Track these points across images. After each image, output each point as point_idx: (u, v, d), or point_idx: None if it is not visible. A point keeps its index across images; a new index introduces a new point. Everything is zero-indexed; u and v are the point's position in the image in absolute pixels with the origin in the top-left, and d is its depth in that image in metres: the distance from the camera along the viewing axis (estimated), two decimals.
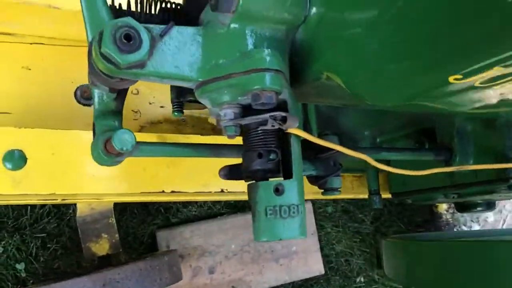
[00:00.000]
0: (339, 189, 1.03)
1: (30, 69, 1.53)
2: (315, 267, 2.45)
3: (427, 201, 1.55)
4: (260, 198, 0.83)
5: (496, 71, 0.64)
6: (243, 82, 0.79)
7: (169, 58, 0.82)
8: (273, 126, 0.83)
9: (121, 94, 0.92)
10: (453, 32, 0.66)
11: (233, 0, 0.79)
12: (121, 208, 2.11)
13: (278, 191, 0.83)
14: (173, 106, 1.26)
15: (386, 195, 1.80)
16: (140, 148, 0.90)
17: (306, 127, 1.41)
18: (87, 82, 1.61)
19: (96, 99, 0.92)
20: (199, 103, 1.27)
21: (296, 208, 0.84)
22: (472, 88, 0.70)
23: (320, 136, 1.09)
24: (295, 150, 0.87)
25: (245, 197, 1.74)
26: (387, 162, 1.33)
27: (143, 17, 0.97)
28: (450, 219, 2.57)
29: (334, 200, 2.54)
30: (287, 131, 0.86)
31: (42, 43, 1.56)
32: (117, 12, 0.96)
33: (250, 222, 2.55)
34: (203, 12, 0.90)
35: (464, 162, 1.22)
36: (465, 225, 3.07)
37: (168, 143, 0.99)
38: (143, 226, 2.18)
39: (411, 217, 2.76)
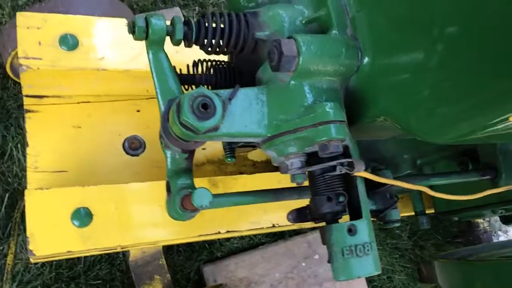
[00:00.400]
0: (398, 220, 1.08)
1: (80, 127, 1.62)
2: None
3: (475, 217, 1.59)
4: (336, 240, 0.89)
5: None
6: (310, 135, 0.86)
7: (238, 118, 0.89)
8: (340, 171, 0.89)
9: (191, 153, 0.99)
10: (504, 76, 0.72)
11: (293, 61, 0.86)
12: (167, 248, 2.16)
13: (351, 231, 0.89)
14: (225, 152, 1.33)
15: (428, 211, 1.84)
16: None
17: None
18: (133, 134, 1.70)
19: (168, 160, 0.98)
20: (250, 147, 1.34)
21: (370, 246, 0.89)
22: None
23: (374, 171, 1.14)
24: (361, 191, 0.93)
25: (292, 227, 1.79)
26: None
27: (204, 79, 1.04)
28: (488, 227, 2.58)
29: None
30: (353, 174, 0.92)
31: (88, 101, 1.65)
32: (179, 77, 1.04)
33: (291, 249, 2.57)
34: (260, 71, 0.97)
35: (510, 179, 1.26)
36: (500, 230, 3.07)
37: (234, 193, 1.06)
38: (189, 263, 2.23)
39: (447, 228, 2.78)
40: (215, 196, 1.00)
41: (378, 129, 1.00)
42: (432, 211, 1.80)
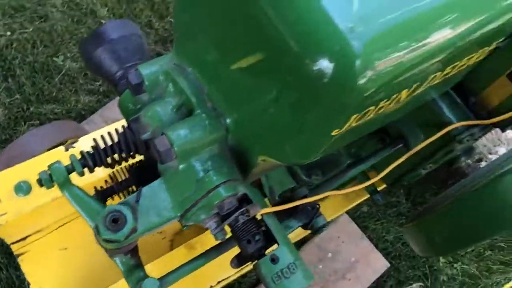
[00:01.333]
0: (326, 225, 1.25)
1: (66, 248, 1.82)
2: (380, 264, 2.60)
3: (416, 178, 1.73)
4: (264, 272, 1.06)
5: (354, 119, 0.86)
6: (207, 202, 1.03)
7: (150, 212, 1.07)
8: (244, 219, 1.07)
9: (134, 250, 1.17)
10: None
11: (170, 152, 1.04)
12: None
13: (274, 260, 1.06)
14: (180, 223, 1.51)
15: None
16: (165, 283, 1.15)
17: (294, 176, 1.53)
18: None
19: (119, 265, 1.17)
20: None
21: (294, 265, 1.06)
22: (353, 127, 0.92)
23: (293, 190, 1.31)
24: (271, 223, 1.10)
25: None
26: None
27: (123, 185, 1.23)
28: (469, 161, 2.68)
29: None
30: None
31: (64, 223, 1.85)
32: (101, 193, 1.23)
33: (304, 258, 2.74)
34: (158, 164, 1.15)
35: (417, 141, 1.41)
36: (490, 153, 3.16)
37: (182, 266, 1.23)
38: None
39: (437, 176, 2.89)
40: (164, 277, 1.19)
41: (267, 167, 1.18)
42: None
